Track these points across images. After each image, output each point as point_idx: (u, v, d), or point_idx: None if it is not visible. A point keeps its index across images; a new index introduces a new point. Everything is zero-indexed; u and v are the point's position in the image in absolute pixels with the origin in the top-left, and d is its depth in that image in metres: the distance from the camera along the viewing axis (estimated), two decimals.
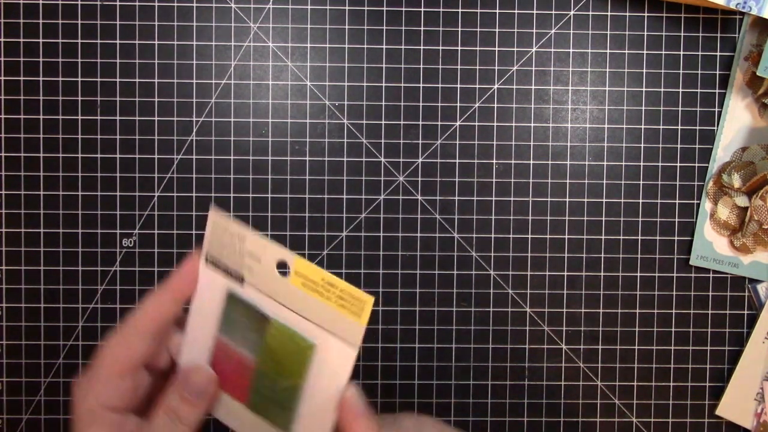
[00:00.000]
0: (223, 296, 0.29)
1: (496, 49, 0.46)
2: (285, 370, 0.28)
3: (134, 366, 0.28)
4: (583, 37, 0.46)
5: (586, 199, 0.47)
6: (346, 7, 0.46)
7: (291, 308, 0.27)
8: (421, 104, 0.46)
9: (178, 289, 0.28)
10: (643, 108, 0.47)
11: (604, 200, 0.47)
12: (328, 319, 0.27)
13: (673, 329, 0.47)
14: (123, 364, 0.27)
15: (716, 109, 0.47)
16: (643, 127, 0.47)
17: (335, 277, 0.26)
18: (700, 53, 0.47)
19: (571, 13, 0.46)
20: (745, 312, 0.47)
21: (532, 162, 0.46)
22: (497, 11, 0.46)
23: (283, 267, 0.27)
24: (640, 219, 0.47)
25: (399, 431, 0.28)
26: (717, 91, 0.47)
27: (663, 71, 0.47)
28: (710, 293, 0.47)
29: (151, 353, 0.29)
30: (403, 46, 0.46)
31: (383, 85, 0.46)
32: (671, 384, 0.47)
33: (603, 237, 0.47)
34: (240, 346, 0.29)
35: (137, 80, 0.46)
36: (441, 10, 0.46)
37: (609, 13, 0.46)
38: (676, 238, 0.47)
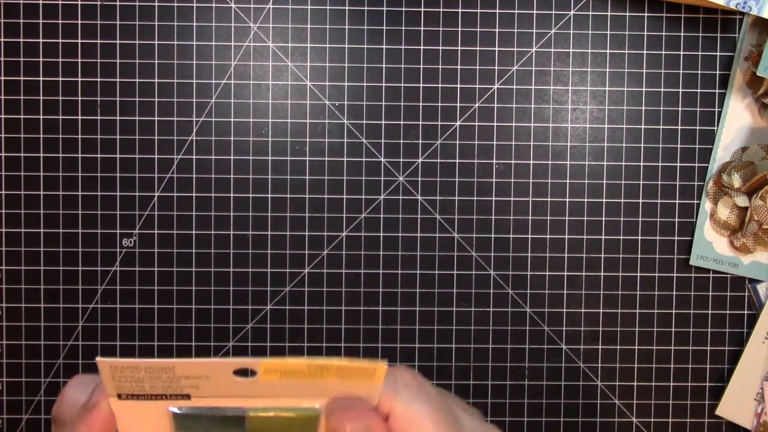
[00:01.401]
0: (165, 419, 0.22)
1: (496, 49, 0.46)
2: None
3: None
4: (583, 37, 0.46)
5: (586, 199, 0.47)
6: (346, 7, 0.46)
7: (273, 396, 0.22)
8: (421, 104, 0.46)
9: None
10: (643, 108, 0.47)
11: (604, 200, 0.47)
12: (330, 389, 0.21)
13: (673, 329, 0.47)
14: None
15: (716, 109, 0.47)
16: (643, 127, 0.47)
17: (326, 359, 0.21)
18: (700, 53, 0.47)
19: (571, 13, 0.46)
20: (745, 312, 0.47)
21: (532, 162, 0.46)
22: (497, 11, 0.46)
23: (244, 373, 0.21)
24: (640, 219, 0.47)
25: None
26: (717, 91, 0.47)
27: (663, 71, 0.47)
28: (710, 293, 0.47)
29: None
30: (403, 46, 0.46)
31: (383, 85, 0.46)
32: (671, 384, 0.47)
33: (603, 237, 0.47)
34: None
35: (137, 80, 0.46)
36: (441, 10, 0.46)
37: (609, 13, 0.46)
38: (676, 238, 0.47)
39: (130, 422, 0.22)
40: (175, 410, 0.22)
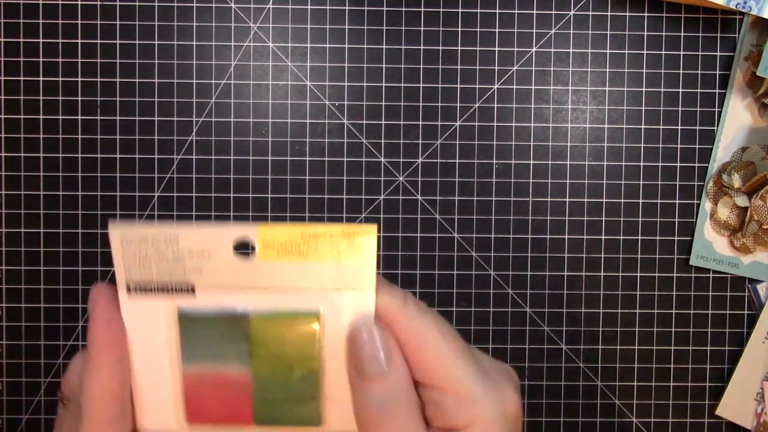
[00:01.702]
0: (172, 321, 0.22)
1: (496, 49, 0.46)
2: (293, 359, 0.22)
3: None
4: (583, 37, 0.46)
5: (586, 199, 0.47)
6: (346, 7, 0.46)
7: (272, 286, 0.22)
8: (421, 104, 0.46)
9: (111, 345, 0.21)
10: (643, 108, 0.47)
11: (604, 200, 0.47)
12: (326, 277, 0.21)
13: (673, 329, 0.47)
14: None
15: (716, 109, 0.47)
16: (643, 127, 0.47)
17: (318, 224, 0.21)
18: (700, 53, 0.47)
19: (571, 13, 0.46)
20: (745, 312, 0.47)
21: (532, 162, 0.46)
22: (497, 11, 0.46)
23: (244, 248, 0.22)
24: (640, 219, 0.47)
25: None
26: (717, 91, 0.47)
27: (663, 71, 0.47)
28: (710, 293, 0.47)
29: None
30: (403, 46, 0.46)
31: (383, 85, 0.46)
32: (671, 384, 0.47)
33: (603, 237, 0.47)
34: (221, 365, 0.22)
35: (137, 80, 0.46)
36: (441, 10, 0.46)
37: (609, 13, 0.46)
38: (676, 238, 0.47)
39: (134, 324, 0.22)
40: (182, 310, 0.22)
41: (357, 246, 0.21)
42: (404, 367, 0.21)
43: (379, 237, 0.46)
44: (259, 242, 0.21)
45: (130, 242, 0.21)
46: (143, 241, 0.21)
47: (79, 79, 0.46)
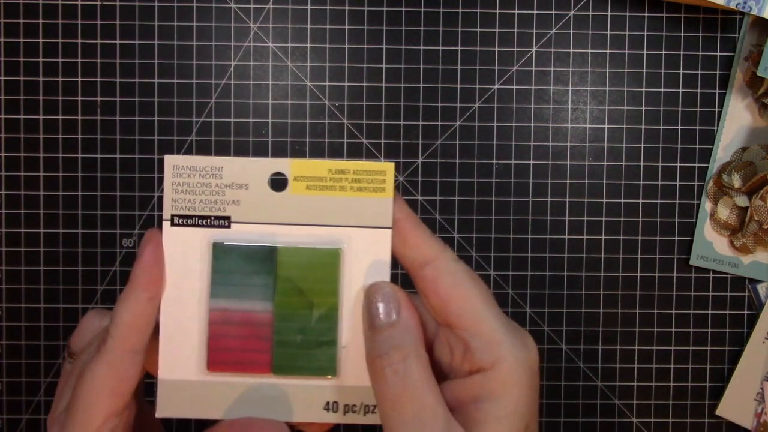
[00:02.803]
0: (205, 253, 0.24)
1: (496, 49, 0.46)
2: (314, 295, 0.24)
3: (129, 396, 0.22)
4: (583, 37, 0.46)
5: (586, 199, 0.47)
6: (346, 7, 0.46)
7: (300, 223, 0.23)
8: (421, 104, 0.46)
9: (151, 283, 0.23)
10: (643, 108, 0.47)
11: (604, 200, 0.47)
12: (349, 213, 0.23)
13: (673, 329, 0.47)
14: (116, 397, 0.22)
15: (716, 109, 0.47)
16: (643, 127, 0.47)
17: (344, 161, 0.23)
18: (700, 53, 0.47)
19: (571, 13, 0.46)
20: (745, 312, 0.47)
21: (532, 162, 0.46)
22: (497, 11, 0.46)
23: (278, 185, 0.23)
24: (640, 219, 0.47)
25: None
26: (717, 91, 0.47)
27: (663, 71, 0.47)
28: (710, 293, 0.47)
29: (143, 374, 0.23)
30: (403, 46, 0.46)
31: (383, 85, 0.46)
32: (671, 384, 0.47)
33: (603, 237, 0.47)
34: (246, 300, 0.24)
35: (137, 80, 0.46)
36: (441, 10, 0.46)
37: (609, 13, 0.46)
38: (676, 238, 0.47)
39: (172, 254, 0.24)
40: (217, 241, 0.24)
41: (376, 181, 0.23)
42: (414, 320, 0.22)
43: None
44: (291, 176, 0.23)
45: (180, 172, 0.23)
46: (192, 170, 0.23)
47: (79, 79, 0.46)
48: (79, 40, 0.46)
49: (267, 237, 0.24)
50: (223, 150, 0.46)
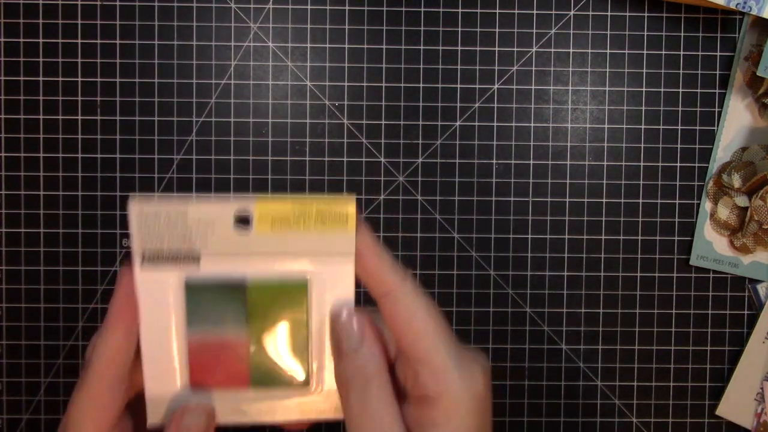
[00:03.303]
0: (179, 290, 0.25)
1: (496, 49, 0.46)
2: (285, 323, 0.25)
3: (114, 420, 0.24)
4: (583, 37, 0.46)
5: (586, 199, 0.47)
6: (346, 7, 0.46)
7: (267, 257, 0.25)
8: (421, 104, 0.46)
9: (126, 319, 0.24)
10: (643, 108, 0.47)
11: (604, 200, 0.47)
12: (313, 246, 0.24)
13: (673, 329, 0.47)
14: (100, 423, 0.24)
15: (716, 109, 0.47)
16: (643, 127, 0.47)
17: (307, 198, 0.24)
18: (700, 53, 0.47)
19: (571, 13, 0.46)
20: (745, 312, 0.47)
21: (532, 162, 0.46)
22: (497, 11, 0.46)
23: (243, 221, 0.25)
24: (640, 219, 0.47)
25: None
26: (717, 91, 0.47)
27: (663, 71, 0.47)
28: (710, 293, 0.47)
29: (126, 399, 0.25)
30: (403, 46, 0.46)
31: (383, 85, 0.46)
32: (671, 384, 0.47)
33: (603, 237, 0.47)
34: (221, 329, 0.25)
35: (137, 80, 0.46)
36: (441, 10, 0.46)
37: (609, 13, 0.46)
38: (676, 238, 0.47)
39: (146, 294, 0.25)
40: (188, 279, 0.25)
41: (339, 216, 0.24)
42: (376, 346, 0.24)
43: (379, 237, 0.46)
44: (255, 215, 0.24)
45: (146, 216, 0.24)
46: (157, 215, 0.24)
47: (79, 79, 0.46)
48: (79, 40, 0.46)
49: (236, 271, 0.25)
50: (223, 150, 0.46)
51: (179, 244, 0.25)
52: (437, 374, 0.23)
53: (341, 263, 0.25)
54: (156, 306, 0.25)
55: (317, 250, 0.24)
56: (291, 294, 0.25)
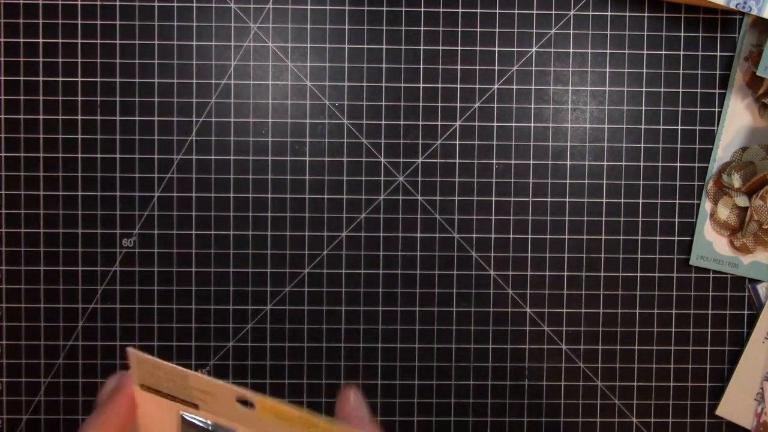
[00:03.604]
0: (174, 418, 0.25)
1: (496, 49, 0.46)
2: None
3: None
4: (583, 37, 0.46)
5: (586, 199, 0.47)
6: (346, 7, 0.46)
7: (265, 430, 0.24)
8: (421, 104, 0.46)
9: (117, 418, 0.25)
10: (643, 108, 0.47)
11: (604, 200, 0.47)
12: None
13: (673, 329, 0.47)
14: None
15: (716, 109, 0.47)
16: (643, 127, 0.47)
17: (314, 416, 0.23)
18: (700, 53, 0.47)
19: (571, 13, 0.46)
20: (745, 312, 0.47)
21: (532, 162, 0.46)
22: (497, 11, 0.46)
23: (247, 403, 0.24)
24: (640, 219, 0.47)
25: None
26: (717, 91, 0.47)
27: (663, 71, 0.47)
28: (710, 293, 0.47)
29: None
30: (403, 46, 0.46)
31: (383, 85, 0.46)
32: (671, 384, 0.47)
33: (603, 237, 0.47)
34: None
35: (137, 80, 0.46)
36: (441, 10, 0.46)
37: (609, 13, 0.46)
38: (676, 238, 0.47)
39: (147, 411, 0.25)
40: (185, 416, 0.24)
41: None
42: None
43: (379, 237, 0.46)
44: (258, 407, 0.23)
45: (145, 363, 0.24)
46: (156, 367, 0.24)
47: (79, 79, 0.46)
48: (79, 40, 0.46)
49: (232, 426, 0.24)
50: (223, 150, 0.46)
51: (178, 392, 0.24)
52: None
53: None
54: (153, 418, 0.25)
55: None
56: None
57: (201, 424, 0.25)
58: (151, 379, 0.24)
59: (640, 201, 0.47)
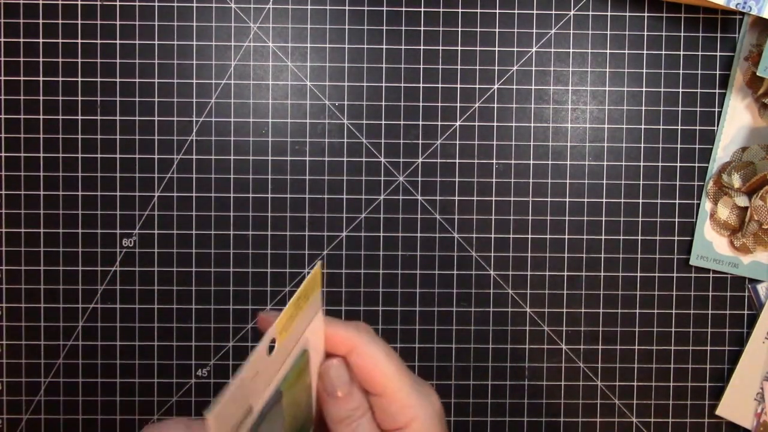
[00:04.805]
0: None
1: (496, 49, 0.46)
2: (301, 414, 0.28)
3: None
4: (583, 37, 0.46)
5: (586, 199, 0.47)
6: (346, 7, 0.46)
7: (285, 357, 0.26)
8: (421, 104, 0.46)
9: None
10: (643, 108, 0.47)
11: (604, 200, 0.47)
12: (305, 321, 0.26)
13: (673, 329, 0.47)
14: None
15: (716, 109, 0.47)
16: (643, 127, 0.47)
17: (294, 296, 0.25)
18: (700, 53, 0.47)
19: (571, 13, 0.46)
20: (745, 312, 0.47)
21: (532, 162, 0.46)
22: (497, 11, 0.46)
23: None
24: (640, 219, 0.47)
25: None
26: (717, 91, 0.47)
27: (663, 71, 0.47)
28: (710, 293, 0.47)
29: None
30: (403, 46, 0.46)
31: (383, 85, 0.46)
32: (671, 384, 0.47)
33: (603, 237, 0.47)
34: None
35: (137, 80, 0.46)
36: (441, 10, 0.46)
37: (609, 13, 0.46)
38: (676, 238, 0.47)
39: None
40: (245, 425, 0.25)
41: (313, 284, 0.26)
42: (360, 391, 0.28)
43: (379, 237, 0.46)
44: (277, 334, 0.25)
45: (221, 418, 0.23)
46: (226, 408, 0.23)
47: (79, 79, 0.46)
48: (79, 40, 0.46)
49: (273, 391, 0.26)
50: (223, 150, 0.46)
51: (242, 414, 0.24)
52: (404, 407, 0.27)
53: (316, 320, 0.27)
54: None
55: (306, 321, 0.26)
56: (302, 370, 0.27)
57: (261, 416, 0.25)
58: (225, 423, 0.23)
59: (640, 201, 0.47)
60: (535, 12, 0.46)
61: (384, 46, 0.46)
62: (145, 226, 0.46)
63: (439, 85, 0.46)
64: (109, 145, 0.46)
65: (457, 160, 0.46)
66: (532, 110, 0.46)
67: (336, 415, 0.28)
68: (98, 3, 0.46)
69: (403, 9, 0.46)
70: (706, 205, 0.47)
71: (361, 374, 0.28)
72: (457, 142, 0.46)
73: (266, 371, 0.25)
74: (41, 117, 0.46)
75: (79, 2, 0.46)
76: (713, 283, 0.47)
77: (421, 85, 0.46)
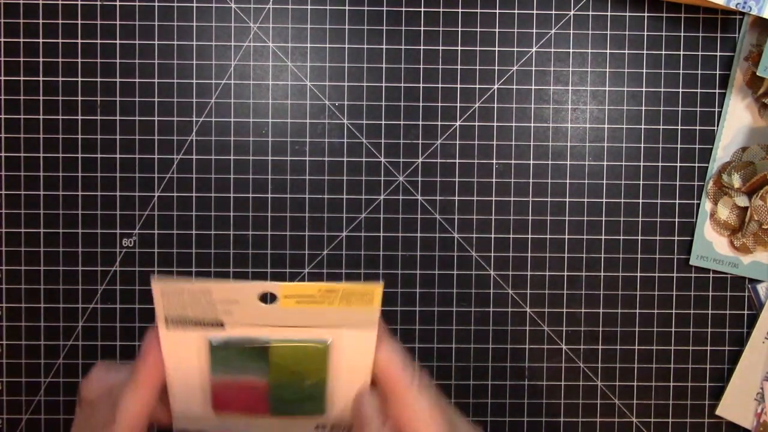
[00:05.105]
0: (203, 348, 0.26)
1: (496, 49, 0.46)
2: (304, 373, 0.27)
3: None
4: (583, 37, 0.46)
5: (586, 199, 0.47)
6: (346, 7, 0.46)
7: (290, 325, 0.26)
8: (421, 104, 0.46)
9: (149, 379, 0.27)
10: (643, 108, 0.47)
11: (604, 200, 0.47)
12: (336, 318, 0.25)
13: (673, 329, 0.47)
14: None
15: (716, 109, 0.47)
16: (643, 127, 0.47)
17: (333, 282, 0.25)
18: (700, 53, 0.47)
19: (571, 13, 0.46)
20: (745, 312, 0.47)
21: (532, 162, 0.46)
22: (497, 11, 0.46)
23: (269, 298, 0.25)
24: (640, 219, 0.47)
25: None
26: (717, 91, 0.47)
27: (663, 71, 0.47)
28: (710, 293, 0.47)
29: None
30: (403, 46, 0.46)
31: (383, 85, 0.46)
32: (671, 384, 0.47)
33: (603, 237, 0.47)
34: (243, 375, 0.27)
35: (137, 80, 0.46)
36: (441, 10, 0.46)
37: (609, 13, 0.46)
38: (676, 238, 0.47)
39: (174, 352, 0.26)
40: (212, 340, 0.25)
41: (365, 296, 0.25)
42: (391, 424, 0.27)
43: (379, 237, 0.46)
44: (280, 295, 0.24)
45: (169, 293, 0.24)
46: (179, 291, 0.24)
47: (79, 79, 0.46)
48: (79, 40, 0.46)
49: (259, 336, 0.26)
50: (223, 150, 0.46)
51: (203, 314, 0.25)
52: None
53: (363, 332, 0.26)
54: (181, 358, 0.26)
55: (340, 321, 0.25)
56: (313, 354, 0.26)
57: (230, 344, 0.26)
58: (176, 308, 0.25)
59: (640, 201, 0.47)
60: (535, 12, 0.46)
61: (384, 46, 0.46)
62: (145, 226, 0.46)
63: (439, 85, 0.46)
64: (109, 145, 0.46)
65: (457, 160, 0.46)
66: (532, 110, 0.46)
67: None
68: (98, 3, 0.46)
69: (403, 9, 0.46)
70: (706, 205, 0.47)
71: (399, 422, 0.27)
72: (457, 142, 0.46)
73: (253, 312, 0.25)
74: (41, 117, 0.46)
75: (79, 2, 0.46)
76: (713, 283, 0.47)
77: (421, 85, 0.46)
